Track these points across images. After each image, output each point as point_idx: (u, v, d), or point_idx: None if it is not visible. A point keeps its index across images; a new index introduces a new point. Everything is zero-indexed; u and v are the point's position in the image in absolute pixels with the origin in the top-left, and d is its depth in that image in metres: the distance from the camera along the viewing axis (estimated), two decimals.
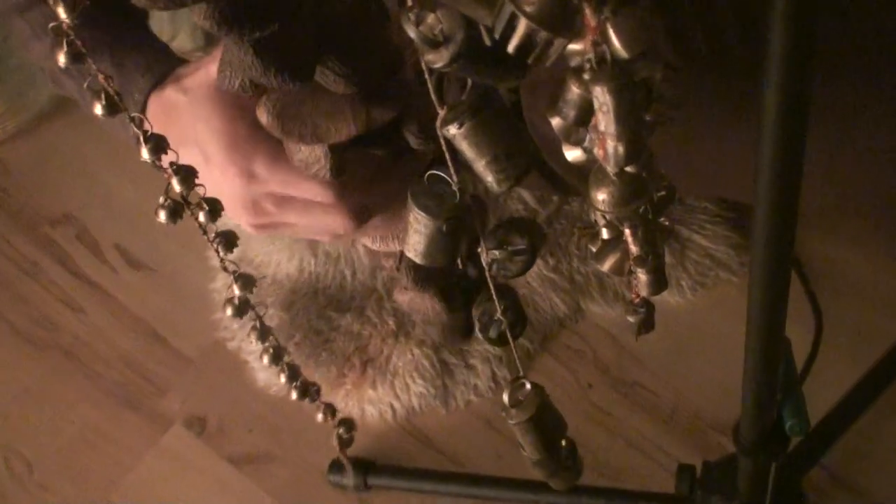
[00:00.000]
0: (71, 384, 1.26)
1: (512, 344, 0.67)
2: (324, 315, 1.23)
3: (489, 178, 0.53)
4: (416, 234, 0.62)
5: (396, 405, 1.19)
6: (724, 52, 0.95)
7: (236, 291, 0.67)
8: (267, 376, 1.22)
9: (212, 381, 1.25)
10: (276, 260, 1.27)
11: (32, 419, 1.25)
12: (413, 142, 0.65)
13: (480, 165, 0.52)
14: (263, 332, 0.80)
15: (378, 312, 1.22)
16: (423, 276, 0.71)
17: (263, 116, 0.61)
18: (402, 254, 0.70)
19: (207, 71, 0.74)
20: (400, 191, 0.65)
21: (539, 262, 1.22)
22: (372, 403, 1.19)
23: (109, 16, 0.80)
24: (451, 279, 0.72)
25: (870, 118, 0.94)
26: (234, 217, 0.76)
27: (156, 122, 0.77)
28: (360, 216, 0.75)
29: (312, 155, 0.64)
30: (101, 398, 1.25)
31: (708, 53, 0.96)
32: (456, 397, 1.18)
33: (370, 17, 0.56)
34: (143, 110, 0.77)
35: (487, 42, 0.43)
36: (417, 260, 0.63)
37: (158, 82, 0.78)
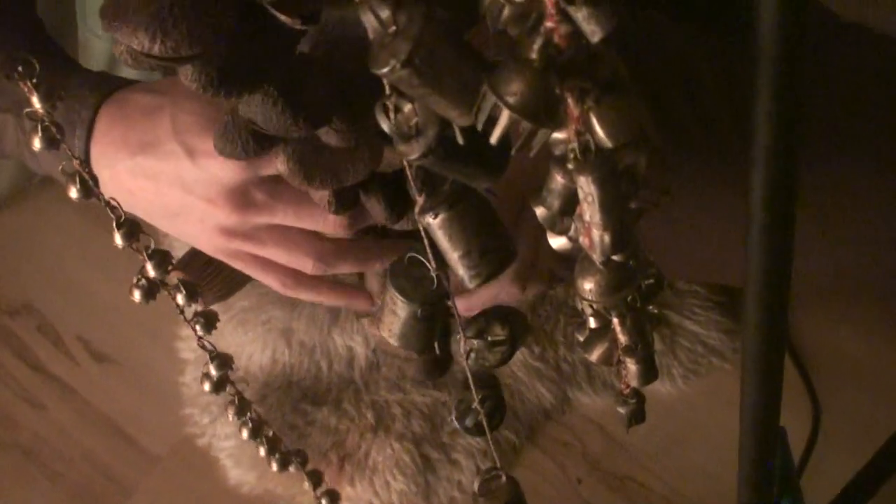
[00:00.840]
0: (31, 486, 1.25)
1: (488, 435, 0.68)
2: (299, 408, 1.23)
3: (460, 272, 0.54)
4: (392, 315, 0.63)
5: (376, 503, 1.18)
6: (713, 135, 0.98)
7: (213, 371, 0.69)
8: (239, 474, 1.21)
9: (180, 480, 1.24)
10: (248, 352, 1.28)
11: None
12: (379, 214, 0.67)
13: (453, 258, 0.54)
14: (242, 407, 0.80)
15: (356, 405, 1.23)
16: None
17: (284, 165, 0.63)
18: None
19: (175, 79, 0.76)
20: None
21: (524, 350, 1.23)
22: (350, 501, 1.18)
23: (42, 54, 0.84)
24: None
25: (869, 197, 0.96)
26: (212, 218, 0.78)
27: (113, 128, 0.79)
28: (338, 253, 0.78)
29: (317, 196, 0.68)
30: (62, 500, 1.24)
31: (697, 137, 0.98)
32: (439, 494, 1.18)
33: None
34: (90, 127, 0.79)
35: (460, 140, 0.45)
36: (392, 341, 0.64)
37: (107, 96, 0.80)
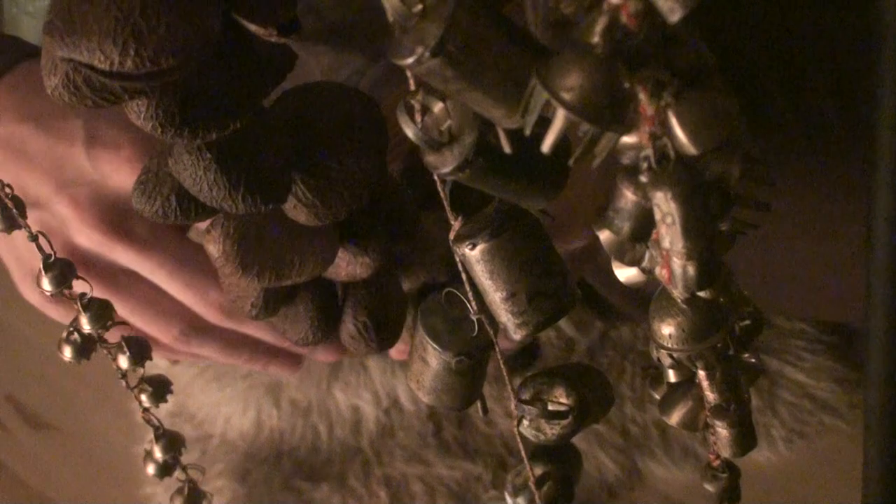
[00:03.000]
0: None
1: None
2: (291, 486, 1.24)
3: (502, 319, 0.54)
4: (421, 363, 0.63)
5: None
6: (819, 136, 0.98)
7: (158, 454, 0.69)
8: None
9: None
10: (225, 413, 1.28)
11: None
12: (300, 325, 0.67)
13: (495, 300, 0.54)
14: (195, 499, 0.80)
15: (365, 481, 1.23)
16: None
17: (216, 245, 0.61)
18: None
19: None
20: None
21: None
22: None
23: None
24: None
25: None
26: (69, 229, 0.78)
27: (13, 95, 0.79)
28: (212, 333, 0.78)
29: (241, 286, 0.66)
30: None
31: (799, 138, 0.98)
32: None
33: (358, 133, 0.58)
34: None
35: (507, 148, 0.45)
36: (420, 395, 0.65)
37: (9, 67, 0.82)
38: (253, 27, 0.47)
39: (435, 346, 0.62)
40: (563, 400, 0.64)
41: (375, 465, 1.24)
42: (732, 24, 1.01)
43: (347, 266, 0.66)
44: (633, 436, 1.23)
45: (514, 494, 0.70)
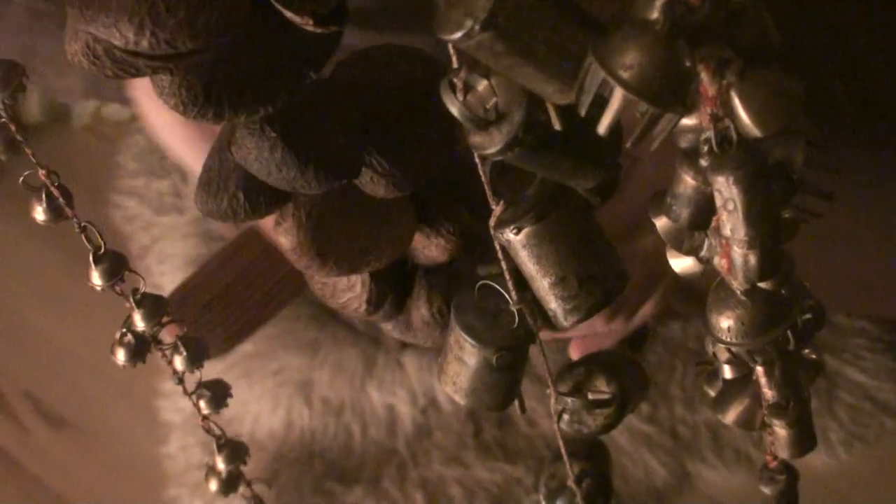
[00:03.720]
0: None
1: None
2: (322, 489, 1.24)
3: (552, 306, 0.54)
4: (458, 364, 0.63)
5: None
6: (879, 122, 0.97)
7: (220, 465, 0.68)
8: None
9: None
10: (253, 412, 1.29)
11: None
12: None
13: (543, 286, 0.54)
14: None
15: (400, 484, 1.23)
16: None
17: (290, 236, 0.60)
18: None
19: None
20: None
21: None
22: None
23: None
24: None
25: None
26: None
27: None
28: None
29: (344, 281, 0.65)
30: None
31: (858, 125, 0.98)
32: None
33: (423, 94, 0.58)
34: None
35: (557, 125, 0.45)
36: (457, 398, 0.64)
37: None
38: (289, 14, 0.47)
39: (473, 342, 0.62)
40: (605, 388, 0.64)
41: (411, 467, 1.24)
42: (791, 13, 1.01)
43: (424, 249, 0.66)
44: (682, 438, 1.23)
45: (551, 500, 0.70)
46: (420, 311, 0.68)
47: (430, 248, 0.65)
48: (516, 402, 0.66)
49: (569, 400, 0.64)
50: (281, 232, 0.60)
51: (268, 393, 1.28)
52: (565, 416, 0.65)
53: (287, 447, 1.27)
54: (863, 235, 1.01)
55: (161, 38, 0.44)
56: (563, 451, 0.67)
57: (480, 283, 0.61)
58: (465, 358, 0.63)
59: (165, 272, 1.37)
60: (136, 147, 1.51)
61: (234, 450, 0.69)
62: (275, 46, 0.50)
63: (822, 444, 1.21)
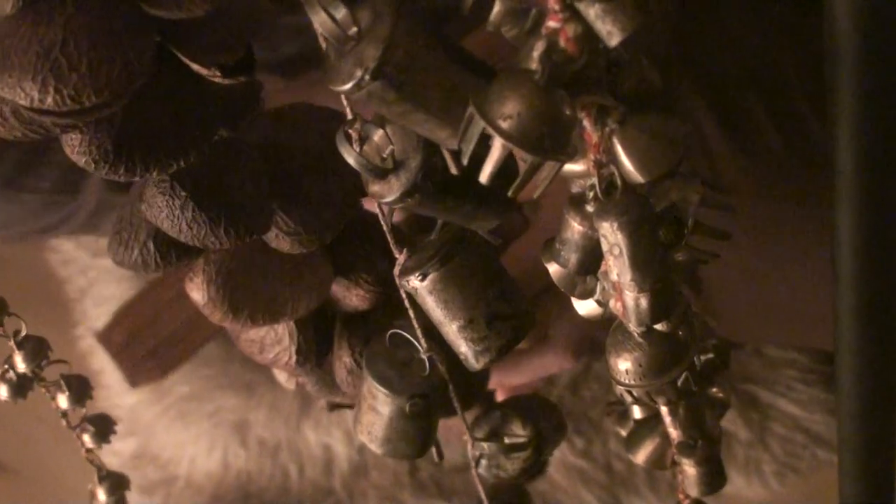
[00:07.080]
0: None
1: None
2: None
3: (462, 349, 0.54)
4: (371, 413, 0.63)
5: None
6: (801, 149, 0.98)
7: (101, 497, 0.69)
8: None
9: None
10: (190, 454, 1.28)
11: None
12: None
13: (452, 330, 0.54)
14: None
15: None
16: None
17: (201, 292, 0.60)
18: None
19: None
20: None
21: (563, 445, 1.23)
22: None
23: None
24: None
25: None
26: None
27: None
28: None
29: (271, 335, 0.65)
30: None
31: (780, 151, 0.98)
32: None
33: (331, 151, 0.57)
34: None
35: (454, 170, 0.45)
36: (373, 447, 0.64)
37: None
38: (195, 66, 0.47)
39: (386, 391, 0.62)
40: (521, 432, 0.64)
41: None
42: (711, 45, 1.02)
43: (344, 299, 0.65)
44: (617, 473, 1.23)
45: None
46: (343, 359, 0.68)
47: (349, 297, 0.65)
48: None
49: (485, 445, 0.64)
50: (192, 288, 0.59)
51: (204, 434, 1.28)
52: (483, 462, 0.65)
53: (224, 489, 1.26)
54: (792, 265, 1.02)
55: (65, 94, 0.44)
56: (482, 496, 0.67)
57: (391, 332, 0.62)
58: (379, 407, 0.62)
59: (102, 315, 1.36)
60: None
61: (116, 482, 0.70)
62: (185, 100, 0.50)
63: (755, 475, 1.21)
